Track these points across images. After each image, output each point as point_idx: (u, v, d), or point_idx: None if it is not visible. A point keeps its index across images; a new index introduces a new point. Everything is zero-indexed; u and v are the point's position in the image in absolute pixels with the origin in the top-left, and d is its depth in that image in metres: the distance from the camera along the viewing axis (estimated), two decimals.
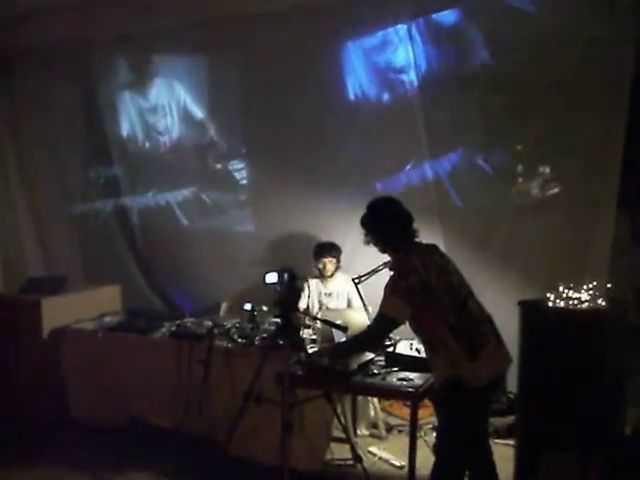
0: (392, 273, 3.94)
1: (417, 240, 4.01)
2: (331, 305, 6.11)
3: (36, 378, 6.10)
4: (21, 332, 6.14)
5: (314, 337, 5.24)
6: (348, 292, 6.10)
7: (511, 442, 5.00)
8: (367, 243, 4.07)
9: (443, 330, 3.73)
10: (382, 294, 3.86)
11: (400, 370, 4.51)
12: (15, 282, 7.11)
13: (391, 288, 3.82)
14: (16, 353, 6.15)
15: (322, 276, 6.20)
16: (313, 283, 6.22)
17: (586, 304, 4.33)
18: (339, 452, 5.17)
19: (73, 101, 7.89)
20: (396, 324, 3.89)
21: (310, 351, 4.62)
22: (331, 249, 6.16)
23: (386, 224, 4.00)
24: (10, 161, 8.10)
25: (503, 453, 4.62)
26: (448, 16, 6.02)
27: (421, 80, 6.10)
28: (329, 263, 6.12)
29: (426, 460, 4.17)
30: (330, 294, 6.19)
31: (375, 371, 4.51)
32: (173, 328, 5.73)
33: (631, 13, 5.26)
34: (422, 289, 3.74)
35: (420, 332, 3.96)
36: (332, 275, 6.18)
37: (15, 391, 6.16)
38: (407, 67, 6.14)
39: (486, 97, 6.02)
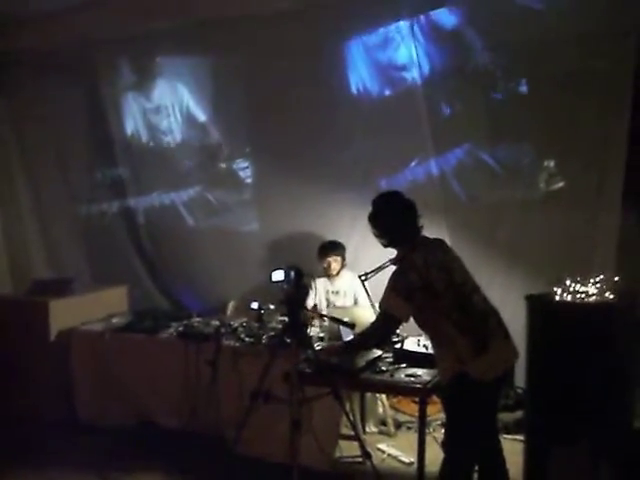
0: (394, 270, 3.93)
1: (423, 235, 4.01)
2: (338, 303, 6.12)
3: (44, 379, 6.11)
4: (29, 334, 6.15)
5: (322, 335, 5.25)
6: (355, 290, 6.10)
7: (520, 437, 4.99)
8: (376, 237, 4.07)
9: (448, 326, 3.73)
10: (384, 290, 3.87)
11: (408, 366, 4.52)
12: (22, 284, 7.14)
13: (391, 285, 3.82)
14: (24, 355, 6.16)
15: (328, 275, 6.19)
16: (320, 281, 6.22)
17: (593, 297, 4.31)
18: (348, 449, 5.17)
19: (77, 102, 7.89)
20: (397, 321, 3.89)
21: (317, 348, 4.62)
22: (335, 248, 6.15)
23: (389, 219, 3.99)
24: (15, 163, 8.11)
25: (512, 448, 4.60)
26: (450, 13, 6.01)
27: (424, 77, 6.10)
28: (334, 262, 6.12)
29: (435, 456, 4.17)
30: (337, 292, 6.19)
31: (383, 368, 4.52)
32: (180, 328, 5.74)
33: (634, 5, 5.25)
34: (422, 286, 3.73)
35: (426, 328, 3.97)
36: (338, 273, 6.17)
37: (23, 392, 6.17)
38: (410, 64, 6.14)
39: (490, 93, 6.02)
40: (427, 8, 6.03)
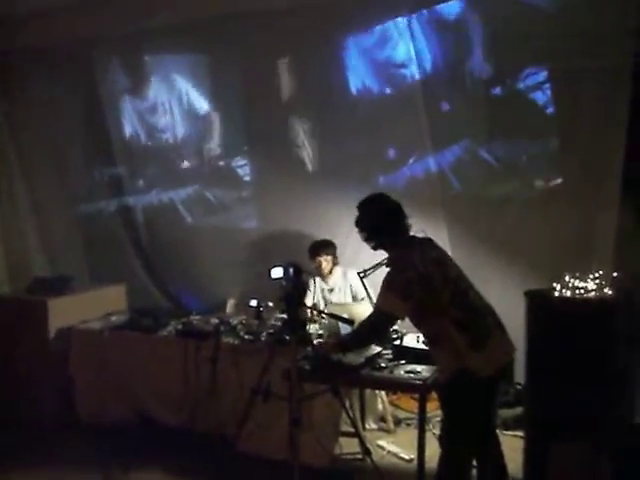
0: (389, 270, 3.93)
1: (412, 234, 4.02)
2: (334, 300, 6.09)
3: (43, 378, 6.11)
4: (28, 332, 6.14)
5: (321, 332, 5.24)
6: (351, 285, 6.08)
7: (519, 433, 5.00)
8: (365, 241, 4.08)
9: (446, 323, 3.73)
10: (379, 289, 3.88)
11: (407, 363, 4.52)
12: (20, 283, 7.12)
13: (387, 284, 3.83)
14: (23, 353, 6.16)
15: (320, 275, 6.17)
16: (315, 281, 6.18)
17: (592, 293, 4.31)
18: (348, 446, 5.17)
19: (74, 101, 7.88)
20: (392, 319, 3.94)
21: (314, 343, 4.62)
22: (325, 246, 6.11)
23: (374, 221, 4.01)
24: (13, 162, 8.09)
25: (512, 444, 4.62)
26: (449, 8, 6.01)
27: (423, 74, 6.10)
28: (324, 261, 6.08)
29: (435, 453, 4.16)
30: (332, 289, 6.15)
31: (382, 364, 4.52)
32: (179, 326, 5.74)
33: (633, 3, 5.25)
34: (422, 283, 3.73)
35: (423, 326, 3.97)
36: (330, 272, 6.15)
37: (22, 391, 6.17)
38: (408, 61, 6.13)
39: (488, 89, 6.02)
40: (430, 3, 6.02)
